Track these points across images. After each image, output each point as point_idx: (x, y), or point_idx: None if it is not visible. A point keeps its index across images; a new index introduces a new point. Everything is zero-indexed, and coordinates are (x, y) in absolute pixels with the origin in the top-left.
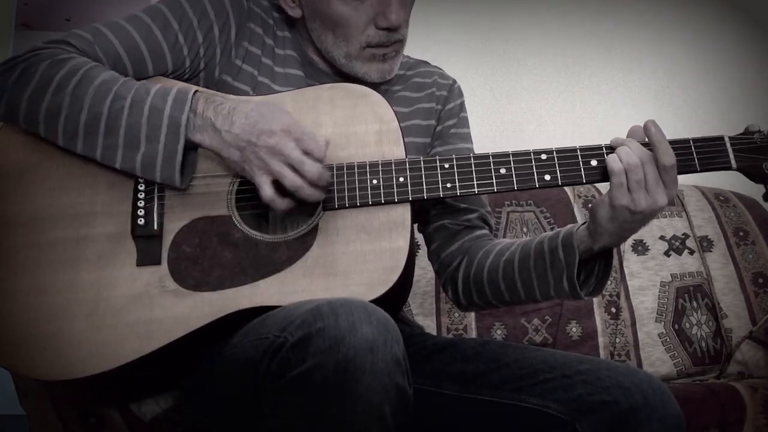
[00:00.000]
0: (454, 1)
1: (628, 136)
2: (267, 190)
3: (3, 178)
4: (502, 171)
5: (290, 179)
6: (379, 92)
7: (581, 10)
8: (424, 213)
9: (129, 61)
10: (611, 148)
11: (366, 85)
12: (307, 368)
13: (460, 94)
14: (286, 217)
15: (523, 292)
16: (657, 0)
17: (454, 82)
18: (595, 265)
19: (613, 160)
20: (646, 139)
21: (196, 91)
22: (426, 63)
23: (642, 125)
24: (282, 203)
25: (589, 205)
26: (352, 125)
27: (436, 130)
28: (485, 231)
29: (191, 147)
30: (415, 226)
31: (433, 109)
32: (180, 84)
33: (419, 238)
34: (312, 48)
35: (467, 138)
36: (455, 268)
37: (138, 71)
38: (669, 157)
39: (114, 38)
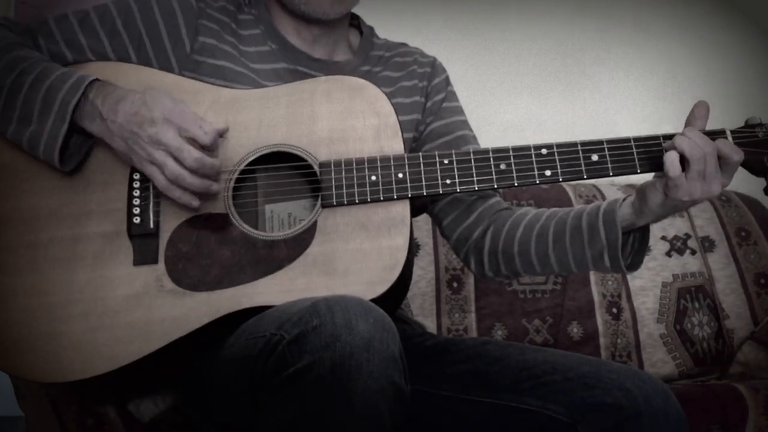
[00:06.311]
0: (454, 1)
1: (688, 121)
2: (160, 180)
3: None
4: (502, 166)
5: (170, 169)
6: (361, 74)
7: (581, 10)
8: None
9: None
10: (613, 142)
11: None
12: (303, 366)
13: (444, 70)
14: (283, 214)
15: (556, 265)
16: (657, 0)
17: (435, 59)
18: (629, 237)
19: (670, 156)
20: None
21: (96, 79)
22: (405, 44)
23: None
24: (177, 191)
25: (639, 186)
26: (349, 119)
27: (426, 106)
28: (498, 198)
29: (82, 133)
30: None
31: (416, 86)
32: (85, 71)
33: (418, 236)
34: (281, 20)
35: (460, 111)
36: (478, 239)
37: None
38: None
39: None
